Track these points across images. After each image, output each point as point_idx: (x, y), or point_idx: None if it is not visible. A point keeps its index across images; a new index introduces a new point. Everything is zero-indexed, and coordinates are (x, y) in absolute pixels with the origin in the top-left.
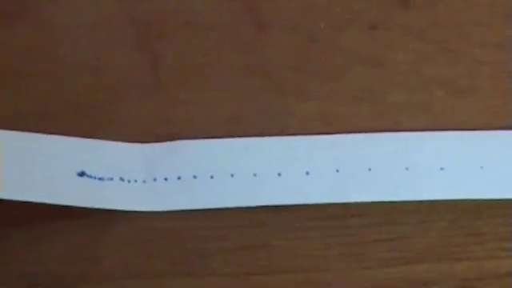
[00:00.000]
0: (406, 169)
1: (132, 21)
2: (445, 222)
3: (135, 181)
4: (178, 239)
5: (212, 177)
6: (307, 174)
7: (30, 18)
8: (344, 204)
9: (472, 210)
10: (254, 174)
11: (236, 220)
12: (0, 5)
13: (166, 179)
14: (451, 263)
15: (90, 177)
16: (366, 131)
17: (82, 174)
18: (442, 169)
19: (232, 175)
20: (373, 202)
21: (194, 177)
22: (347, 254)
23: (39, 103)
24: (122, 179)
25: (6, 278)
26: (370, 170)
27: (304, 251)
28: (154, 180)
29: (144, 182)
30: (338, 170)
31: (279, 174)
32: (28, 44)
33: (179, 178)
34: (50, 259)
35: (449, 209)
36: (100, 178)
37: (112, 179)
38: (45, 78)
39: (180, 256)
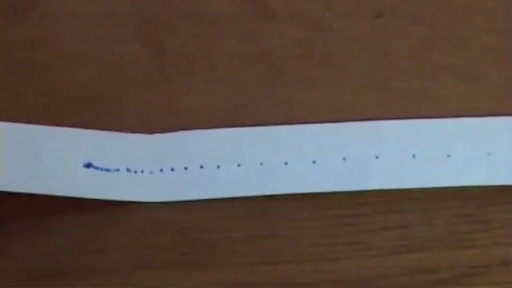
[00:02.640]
0: (413, 156)
1: (137, 12)
2: (451, 209)
3: (142, 172)
4: (185, 230)
5: (218, 166)
6: (314, 162)
7: (36, 10)
8: (350, 192)
9: (479, 196)
10: (261, 164)
11: (242, 210)
12: None
13: (172, 170)
14: (458, 251)
15: (97, 168)
16: (372, 119)
17: (88, 166)
18: (449, 156)
19: (238, 165)
20: (379, 190)
21: (201, 167)
22: (354, 242)
23: (45, 95)
24: (128, 170)
25: (15, 270)
26: (377, 157)
27: (311, 240)
28: (161, 171)
29: (151, 172)
30: (344, 159)
31: (286, 163)
32: (34, 36)
33: (186, 169)
34: (57, 251)
35: (455, 196)
36: (107, 170)
37: (119, 170)
38: (50, 70)
39: (187, 246)
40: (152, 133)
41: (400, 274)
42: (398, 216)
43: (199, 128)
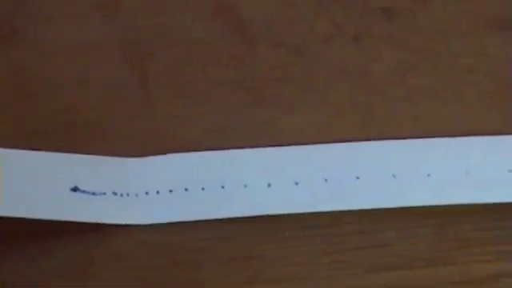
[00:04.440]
0: (394, 176)
1: (120, 39)
2: (430, 227)
3: (127, 195)
4: (171, 251)
5: (203, 189)
6: (296, 184)
7: (19, 38)
8: (332, 212)
9: (456, 214)
10: (245, 185)
11: (226, 231)
12: None
13: (157, 192)
14: (437, 268)
15: (84, 192)
16: (352, 140)
17: (75, 190)
18: (428, 175)
19: (222, 187)
20: (360, 210)
21: (186, 189)
22: (335, 261)
23: (30, 122)
24: (114, 193)
25: None
26: (358, 178)
27: (294, 260)
28: (146, 193)
29: (136, 195)
30: (326, 180)
31: (269, 185)
32: (17, 63)
33: (171, 191)
34: (45, 275)
35: (434, 214)
36: (93, 193)
37: (105, 194)
38: (35, 97)
39: (173, 268)
40: (137, 156)
41: None
42: (377, 235)
43: (183, 151)
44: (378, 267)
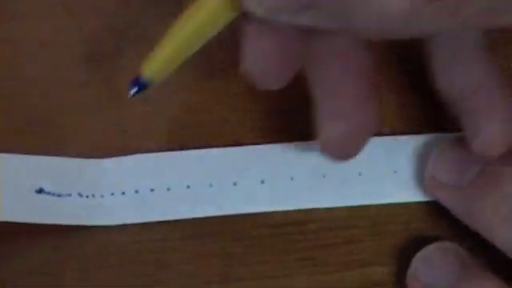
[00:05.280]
0: (359, 174)
1: (84, 37)
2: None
3: (93, 196)
4: (137, 251)
5: (169, 189)
6: (262, 182)
7: None
8: (299, 210)
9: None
10: (210, 185)
11: (193, 230)
12: None
13: (123, 193)
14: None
15: (49, 193)
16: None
17: (40, 191)
18: (395, 172)
19: (188, 186)
20: (328, 208)
21: (151, 190)
22: (304, 258)
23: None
24: (80, 195)
25: None
26: (324, 176)
27: (262, 258)
28: (112, 194)
29: (102, 196)
30: (292, 178)
31: (235, 184)
32: None
33: (137, 192)
34: (13, 276)
35: (402, 211)
36: (58, 195)
37: (70, 195)
38: None
39: (139, 268)
40: (102, 157)
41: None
42: (346, 232)
43: (149, 152)
44: (347, 264)
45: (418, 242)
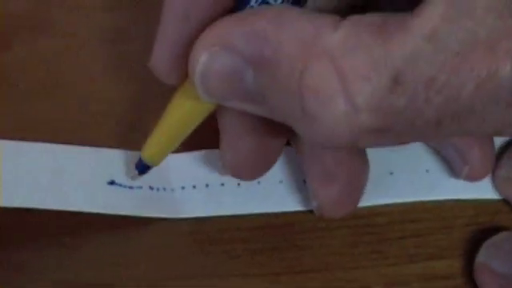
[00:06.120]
0: (427, 171)
1: None
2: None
3: (164, 189)
4: (206, 242)
5: (239, 184)
6: None
7: None
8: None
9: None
10: (280, 181)
11: (261, 222)
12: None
13: (194, 187)
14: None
15: (120, 185)
16: None
17: (112, 183)
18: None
19: (259, 182)
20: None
21: (222, 184)
22: (372, 251)
23: (70, 113)
24: (151, 188)
25: (43, 286)
26: (391, 173)
27: (330, 250)
28: (183, 188)
29: (172, 190)
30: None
31: (304, 181)
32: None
33: (207, 186)
34: (82, 267)
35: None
36: (130, 187)
37: (141, 188)
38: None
39: (208, 258)
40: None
41: (417, 280)
42: (413, 225)
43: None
44: (414, 257)
45: (485, 236)
